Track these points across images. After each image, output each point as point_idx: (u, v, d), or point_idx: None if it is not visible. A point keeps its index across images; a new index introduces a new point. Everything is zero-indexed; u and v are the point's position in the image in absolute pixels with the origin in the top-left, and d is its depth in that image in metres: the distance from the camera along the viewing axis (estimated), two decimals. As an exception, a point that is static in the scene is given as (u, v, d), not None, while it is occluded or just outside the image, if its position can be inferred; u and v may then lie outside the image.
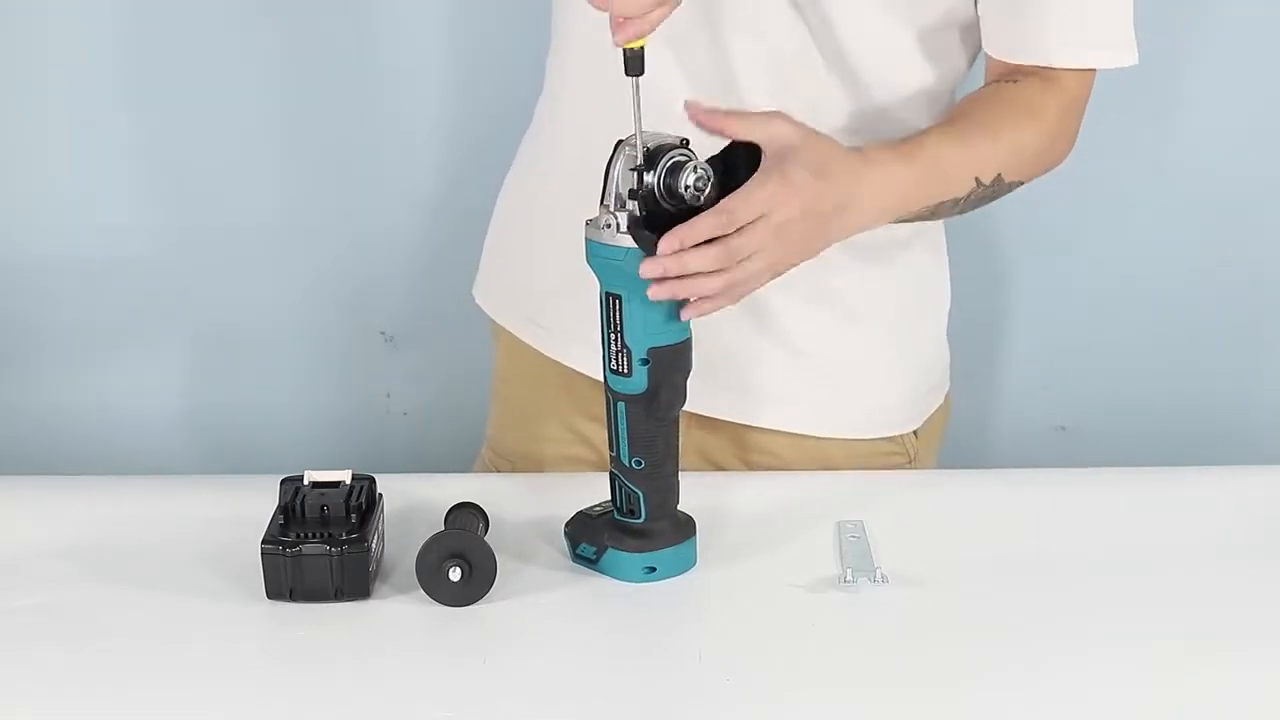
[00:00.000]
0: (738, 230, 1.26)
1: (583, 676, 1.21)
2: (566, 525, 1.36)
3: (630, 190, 1.26)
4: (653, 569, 1.32)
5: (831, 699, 1.17)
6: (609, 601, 1.31)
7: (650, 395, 1.29)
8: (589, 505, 1.36)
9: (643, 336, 1.28)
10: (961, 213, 1.46)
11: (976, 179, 1.42)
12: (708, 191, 1.26)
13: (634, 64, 1.25)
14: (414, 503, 1.43)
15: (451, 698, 1.18)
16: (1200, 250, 2.06)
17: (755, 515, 1.42)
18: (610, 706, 1.18)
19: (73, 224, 2.06)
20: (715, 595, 1.31)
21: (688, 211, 1.25)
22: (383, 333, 2.11)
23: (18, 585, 1.33)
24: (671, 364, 1.29)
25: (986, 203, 1.45)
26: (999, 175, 1.43)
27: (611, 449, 1.33)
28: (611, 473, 1.33)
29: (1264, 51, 2.00)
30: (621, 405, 1.31)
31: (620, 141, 1.26)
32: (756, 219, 1.26)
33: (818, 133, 1.33)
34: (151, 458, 2.11)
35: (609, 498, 1.34)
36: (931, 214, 1.43)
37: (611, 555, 1.32)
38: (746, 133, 1.30)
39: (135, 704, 1.18)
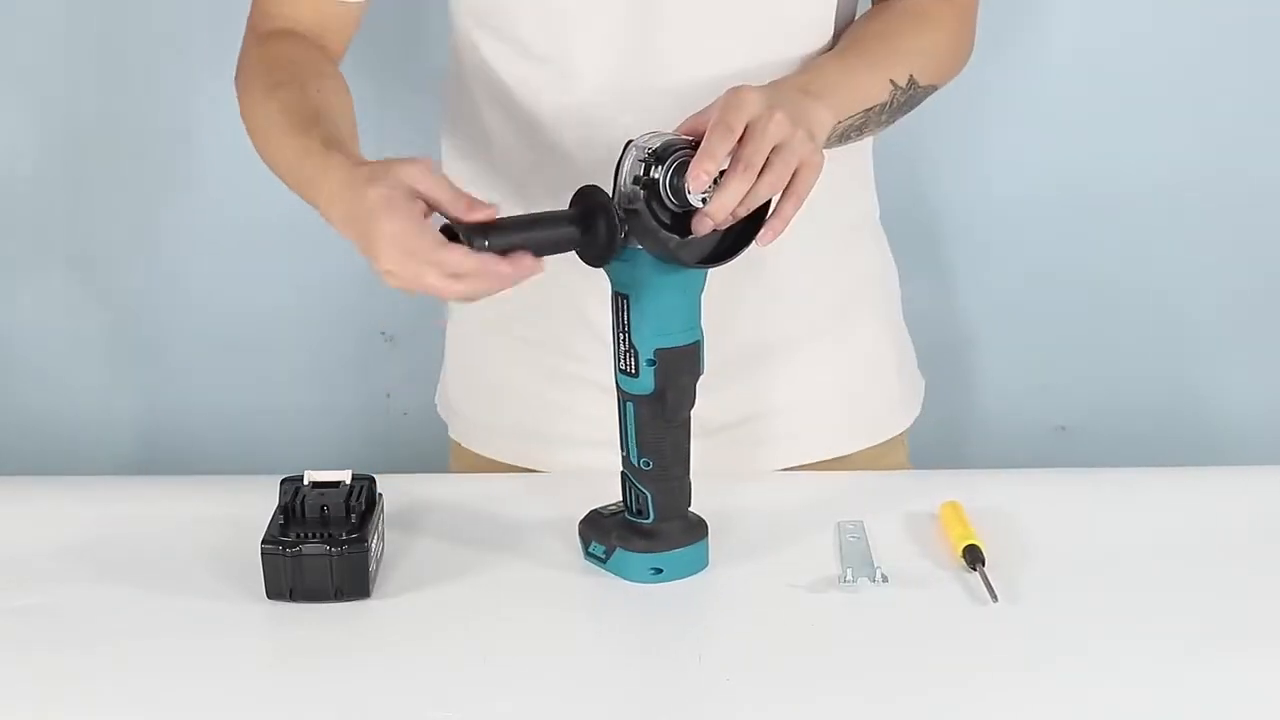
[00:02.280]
0: (746, 137, 1.25)
1: (583, 676, 1.21)
2: (580, 523, 1.36)
3: (635, 177, 1.25)
4: (659, 570, 1.31)
5: (831, 699, 1.17)
6: (610, 602, 1.31)
7: (657, 396, 1.29)
8: (603, 504, 1.36)
9: (650, 337, 1.28)
10: (889, 123, 1.46)
11: (891, 81, 1.43)
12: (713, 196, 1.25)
13: None
14: (414, 503, 1.43)
15: (451, 698, 1.18)
16: (1201, 250, 2.06)
17: (755, 516, 1.42)
18: (610, 706, 1.18)
19: (71, 223, 2.06)
20: (716, 596, 1.31)
21: (687, 215, 1.25)
22: (383, 333, 2.11)
23: (18, 585, 1.33)
24: (679, 366, 1.29)
25: (908, 110, 1.46)
26: (911, 76, 1.44)
27: (622, 449, 1.32)
28: (623, 473, 1.33)
29: (1265, 52, 2.00)
30: (630, 405, 1.30)
31: (630, 141, 1.26)
32: (751, 122, 1.25)
33: None
34: (151, 458, 2.11)
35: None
36: (863, 124, 1.43)
37: (620, 555, 1.32)
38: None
39: (135, 704, 1.18)
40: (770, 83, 1.35)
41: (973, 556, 1.31)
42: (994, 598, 1.27)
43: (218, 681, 1.20)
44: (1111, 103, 2.00)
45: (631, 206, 1.24)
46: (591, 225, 1.25)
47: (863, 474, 1.55)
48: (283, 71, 1.43)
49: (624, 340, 1.29)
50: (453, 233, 1.22)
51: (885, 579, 1.29)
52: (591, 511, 1.36)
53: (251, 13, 1.50)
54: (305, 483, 1.31)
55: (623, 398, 1.31)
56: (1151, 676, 1.19)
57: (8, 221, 2.05)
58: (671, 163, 1.24)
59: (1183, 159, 2.03)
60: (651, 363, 1.28)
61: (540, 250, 1.23)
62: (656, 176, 1.24)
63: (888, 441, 1.60)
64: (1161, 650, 1.22)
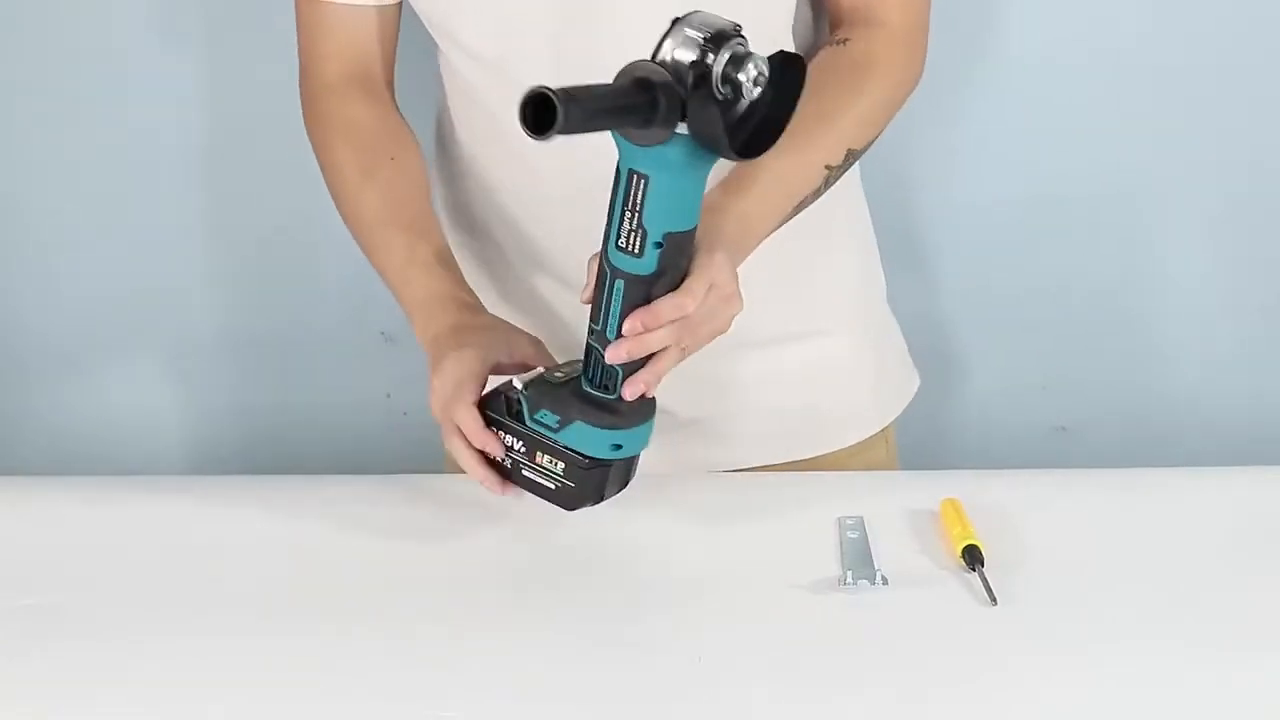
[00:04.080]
0: (697, 322, 1.28)
1: (582, 676, 1.21)
2: (524, 386, 1.33)
3: (691, 60, 1.20)
4: (619, 446, 1.31)
5: (831, 699, 1.17)
6: (609, 601, 1.31)
7: (656, 277, 1.27)
8: (550, 368, 1.35)
9: (663, 221, 1.25)
10: (826, 189, 1.45)
11: (827, 166, 1.41)
12: (762, 91, 1.21)
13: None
14: (414, 503, 1.43)
15: (451, 698, 1.18)
16: (1201, 250, 2.06)
17: (755, 515, 1.42)
18: (610, 706, 1.18)
19: (72, 223, 2.06)
20: (716, 595, 1.31)
21: (730, 103, 1.21)
22: (383, 333, 2.11)
23: (18, 585, 1.33)
24: (681, 249, 1.27)
25: (845, 171, 1.45)
26: (848, 151, 1.42)
27: (595, 322, 1.29)
28: (589, 344, 1.30)
29: (1261, 53, 2.00)
30: (620, 283, 1.28)
31: (676, 20, 1.21)
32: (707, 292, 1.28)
33: None
34: (152, 458, 2.11)
35: (570, 362, 1.34)
36: (795, 211, 1.42)
37: (578, 427, 1.30)
38: None
39: (135, 704, 1.18)
40: (707, 216, 1.31)
41: (972, 557, 1.31)
42: (993, 600, 1.27)
43: (217, 682, 1.20)
44: (1109, 103, 2.00)
45: (680, 84, 1.20)
46: (652, 102, 1.20)
47: (862, 473, 1.55)
48: (368, 150, 1.49)
49: (632, 219, 1.25)
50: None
51: (885, 581, 1.29)
52: (539, 374, 1.34)
53: (300, 53, 1.52)
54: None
55: (612, 275, 1.27)
56: (1151, 676, 1.19)
57: (14, 220, 2.06)
58: (726, 51, 1.20)
59: (1181, 159, 2.03)
60: (659, 245, 1.26)
61: (612, 123, 1.21)
62: (710, 63, 1.20)
63: (861, 441, 1.60)
64: (1161, 650, 1.22)
